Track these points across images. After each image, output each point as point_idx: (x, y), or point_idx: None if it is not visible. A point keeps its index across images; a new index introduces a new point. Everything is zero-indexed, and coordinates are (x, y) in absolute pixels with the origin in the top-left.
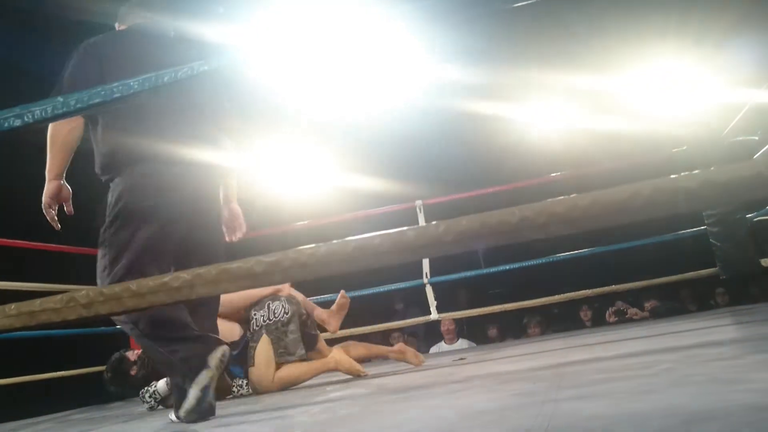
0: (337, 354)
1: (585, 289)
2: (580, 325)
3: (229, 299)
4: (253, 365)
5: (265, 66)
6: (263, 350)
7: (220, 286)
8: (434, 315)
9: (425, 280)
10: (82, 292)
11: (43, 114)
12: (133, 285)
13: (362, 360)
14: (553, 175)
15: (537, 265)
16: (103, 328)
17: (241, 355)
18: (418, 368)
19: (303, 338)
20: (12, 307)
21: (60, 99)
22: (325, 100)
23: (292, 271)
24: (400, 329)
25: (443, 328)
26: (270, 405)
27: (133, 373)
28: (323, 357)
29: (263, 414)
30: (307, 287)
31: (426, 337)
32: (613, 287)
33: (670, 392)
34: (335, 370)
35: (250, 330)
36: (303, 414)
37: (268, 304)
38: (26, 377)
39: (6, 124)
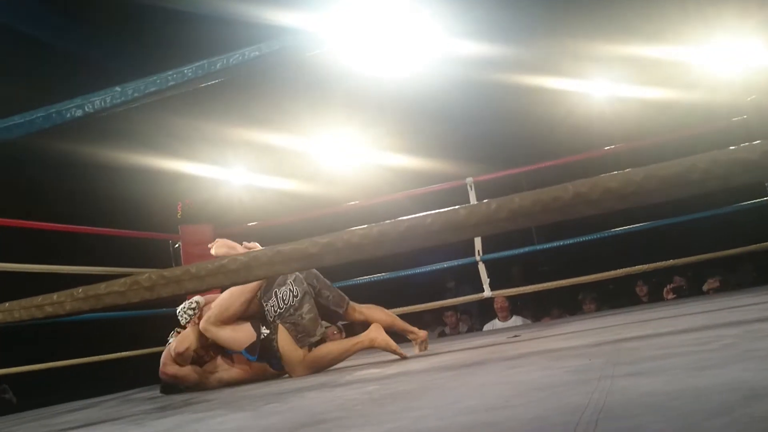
0: (373, 331)
1: (641, 264)
2: (636, 301)
3: (239, 295)
4: (282, 359)
5: (319, 48)
6: (284, 340)
7: (275, 268)
8: (487, 292)
9: (478, 258)
10: (144, 275)
11: (103, 104)
12: (193, 268)
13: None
14: (606, 148)
15: (592, 241)
16: (164, 309)
17: (265, 351)
18: (473, 345)
19: (322, 312)
20: (80, 291)
21: (118, 89)
22: (376, 78)
23: (345, 251)
24: (453, 307)
25: (497, 306)
26: (325, 383)
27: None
28: (363, 318)
29: (317, 391)
30: (359, 267)
31: (479, 314)
32: (671, 262)
33: (730, 367)
34: (371, 347)
35: (266, 323)
36: (358, 391)
37: (275, 292)
38: (93, 357)
39: (68, 115)
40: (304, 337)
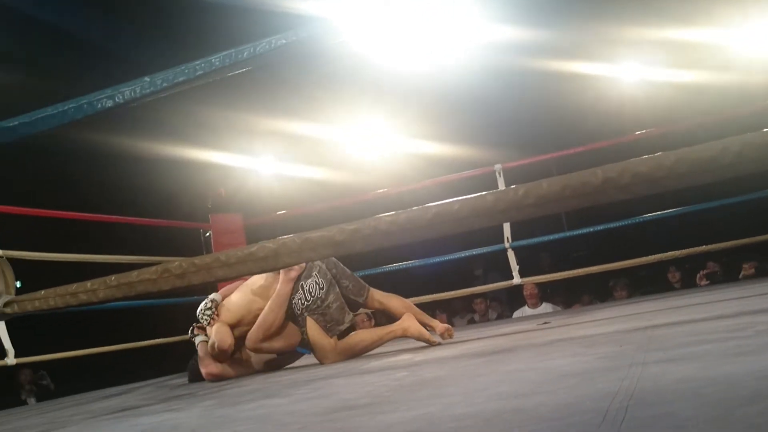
0: (406, 321)
1: (674, 249)
2: (668, 287)
3: (278, 307)
4: (314, 349)
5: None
6: (314, 330)
7: (304, 255)
8: (517, 279)
9: (507, 245)
10: (175, 263)
11: (132, 94)
12: (222, 256)
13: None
14: (637, 133)
15: (622, 227)
16: (196, 297)
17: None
18: (502, 332)
19: (348, 303)
20: (113, 279)
21: (147, 79)
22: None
23: (373, 238)
24: (482, 294)
25: (526, 293)
26: (354, 369)
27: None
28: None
29: (347, 378)
30: (387, 255)
31: (509, 301)
32: (704, 247)
33: (765, 354)
34: (403, 336)
35: (293, 317)
36: (388, 378)
37: (302, 285)
38: (126, 345)
39: (99, 105)
40: (333, 325)
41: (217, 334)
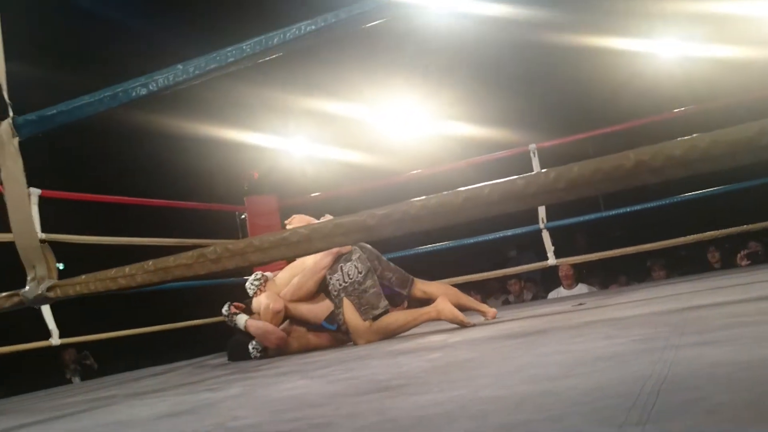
0: (440, 303)
1: (713, 229)
2: (708, 267)
3: (312, 274)
4: (349, 330)
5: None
6: (350, 311)
7: (335, 240)
8: (552, 260)
9: (542, 225)
10: (210, 248)
11: (166, 82)
12: (256, 241)
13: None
14: (675, 111)
15: (661, 206)
16: (232, 279)
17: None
18: (537, 314)
19: (385, 294)
20: (150, 264)
21: (180, 66)
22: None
23: (404, 223)
24: (517, 275)
25: (561, 273)
26: (388, 351)
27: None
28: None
29: (381, 359)
30: (420, 237)
31: (544, 282)
32: (745, 227)
33: None
34: (437, 319)
35: (329, 298)
36: (421, 359)
37: (341, 267)
38: (169, 325)
39: (133, 93)
40: (368, 309)
41: (269, 298)
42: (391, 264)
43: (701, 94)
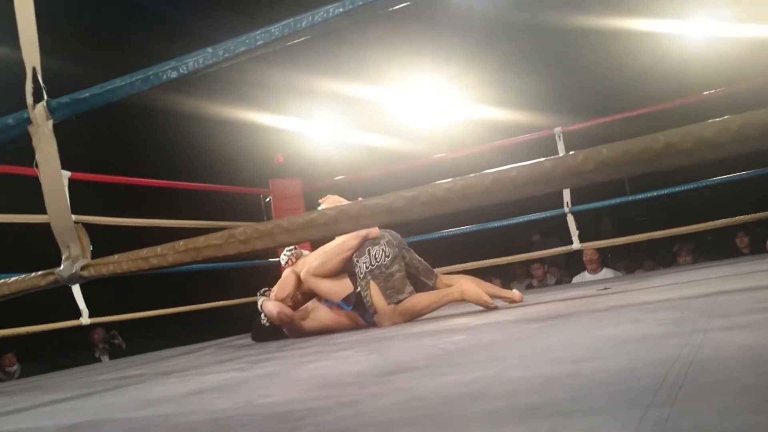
0: (464, 284)
1: (743, 214)
2: (736, 253)
3: (337, 253)
4: (376, 312)
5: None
6: (376, 293)
7: (362, 222)
8: (576, 244)
9: (567, 209)
10: (239, 229)
11: (196, 65)
12: (284, 222)
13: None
14: (705, 93)
15: (688, 190)
16: (258, 261)
17: (357, 305)
18: (561, 298)
19: (411, 281)
20: (180, 244)
21: (209, 50)
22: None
23: (431, 205)
24: (540, 259)
25: (586, 258)
26: (412, 332)
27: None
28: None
29: (405, 341)
30: (444, 220)
31: (568, 267)
32: None
33: None
34: (461, 300)
35: (356, 279)
36: (445, 340)
37: (369, 250)
38: (195, 306)
39: (164, 77)
40: (393, 293)
41: (280, 284)
42: (417, 257)
43: (731, 75)
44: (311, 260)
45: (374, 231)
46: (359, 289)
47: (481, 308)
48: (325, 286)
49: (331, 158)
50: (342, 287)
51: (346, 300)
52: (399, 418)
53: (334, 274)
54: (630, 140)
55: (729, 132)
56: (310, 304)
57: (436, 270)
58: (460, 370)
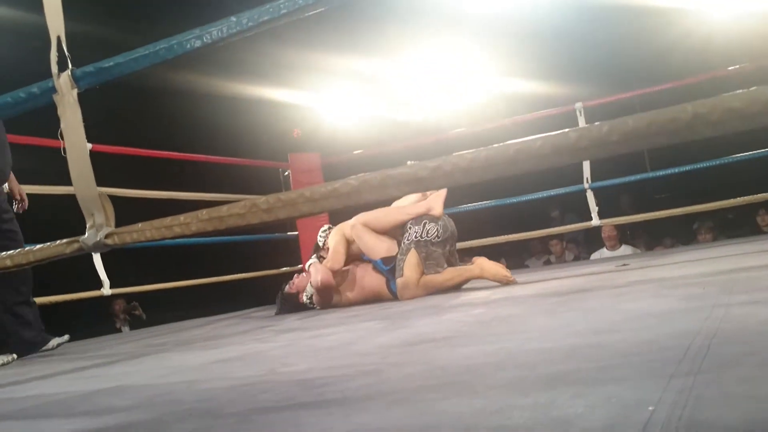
0: (483, 261)
1: (764, 191)
2: (757, 230)
3: (393, 215)
4: (402, 275)
5: None
6: (411, 262)
7: (386, 191)
8: (595, 221)
9: (586, 185)
10: (262, 198)
11: (220, 34)
12: (307, 192)
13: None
14: (729, 68)
15: (709, 167)
16: (277, 234)
17: (391, 270)
18: (580, 273)
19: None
20: (204, 213)
21: (233, 19)
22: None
23: (454, 175)
24: (559, 236)
25: (604, 235)
26: (431, 306)
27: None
28: None
29: (424, 313)
30: (463, 195)
31: (586, 243)
32: None
33: None
34: (480, 277)
35: (402, 243)
36: (465, 314)
37: (425, 223)
38: (216, 278)
39: (188, 45)
40: (432, 265)
41: (334, 247)
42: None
43: (757, 50)
44: (367, 214)
45: (437, 210)
46: (400, 254)
47: (499, 283)
48: (371, 240)
49: (350, 133)
50: (386, 247)
51: (385, 261)
52: (422, 386)
53: (383, 232)
54: (656, 111)
55: (759, 102)
56: (349, 266)
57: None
58: (480, 341)
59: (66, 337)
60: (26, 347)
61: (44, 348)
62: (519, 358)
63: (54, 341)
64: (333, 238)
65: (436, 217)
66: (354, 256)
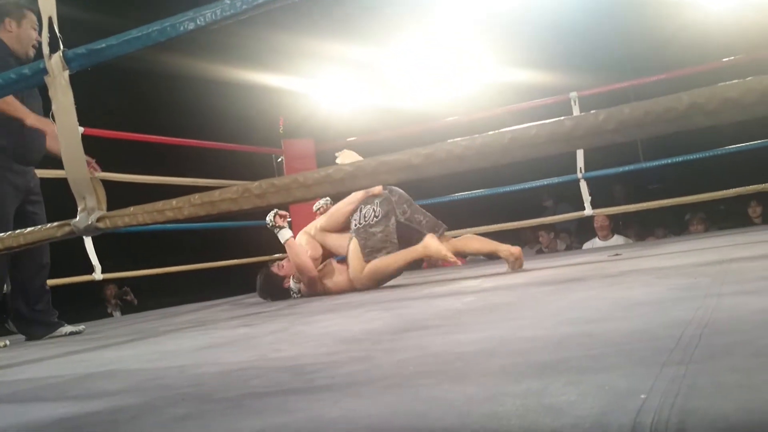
0: (427, 239)
1: (756, 183)
2: (748, 222)
3: (339, 208)
4: (348, 267)
5: None
6: (354, 252)
7: (379, 178)
8: (588, 210)
9: (580, 175)
10: (255, 183)
11: (213, 16)
12: (301, 177)
13: (477, 254)
14: (724, 60)
15: (701, 159)
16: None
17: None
18: (572, 263)
19: (404, 232)
20: (196, 197)
21: (227, 1)
22: None
23: (448, 162)
24: (549, 226)
25: (597, 224)
26: (423, 294)
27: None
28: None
29: (416, 301)
30: (454, 184)
31: (579, 233)
32: None
33: None
34: (425, 255)
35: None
36: (457, 302)
37: (361, 208)
38: (203, 265)
39: (181, 28)
40: (371, 252)
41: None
42: (423, 210)
43: (753, 42)
44: (321, 218)
45: (377, 188)
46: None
47: (492, 271)
48: (332, 240)
49: (344, 119)
50: (346, 242)
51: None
52: (414, 372)
53: (342, 228)
54: (653, 100)
55: (755, 92)
56: (325, 263)
57: (448, 234)
58: (472, 329)
59: (81, 327)
60: (35, 330)
61: (54, 334)
62: (511, 345)
63: (66, 328)
64: (301, 240)
65: (375, 196)
66: (329, 253)
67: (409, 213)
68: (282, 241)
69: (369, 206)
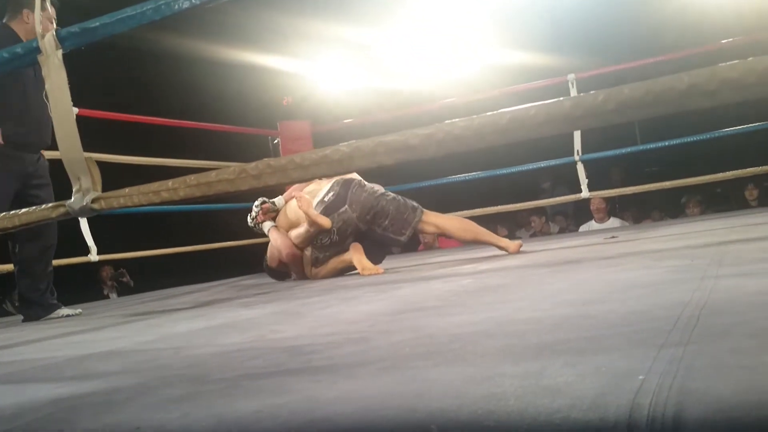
0: (352, 250)
1: (752, 166)
2: (745, 205)
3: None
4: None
5: None
6: (306, 259)
7: (377, 158)
8: (585, 193)
9: (577, 158)
10: (252, 164)
11: None
12: (297, 158)
13: (471, 242)
14: (723, 41)
15: (699, 141)
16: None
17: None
18: (569, 245)
19: (380, 241)
20: (192, 178)
21: None
22: None
23: (446, 143)
24: (541, 209)
25: (593, 207)
26: (420, 277)
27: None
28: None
29: (414, 283)
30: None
31: (575, 215)
32: None
33: None
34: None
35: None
36: (454, 284)
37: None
38: (200, 246)
39: (176, 6)
40: (316, 260)
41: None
42: (391, 209)
43: (751, 24)
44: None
45: (326, 223)
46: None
47: (489, 253)
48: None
49: (341, 101)
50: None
51: None
52: (411, 353)
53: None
54: (652, 80)
55: (755, 73)
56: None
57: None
58: (469, 310)
59: (78, 310)
60: (34, 311)
61: (51, 316)
62: (508, 327)
63: (63, 311)
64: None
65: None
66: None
67: (372, 215)
68: (266, 233)
69: (326, 233)
